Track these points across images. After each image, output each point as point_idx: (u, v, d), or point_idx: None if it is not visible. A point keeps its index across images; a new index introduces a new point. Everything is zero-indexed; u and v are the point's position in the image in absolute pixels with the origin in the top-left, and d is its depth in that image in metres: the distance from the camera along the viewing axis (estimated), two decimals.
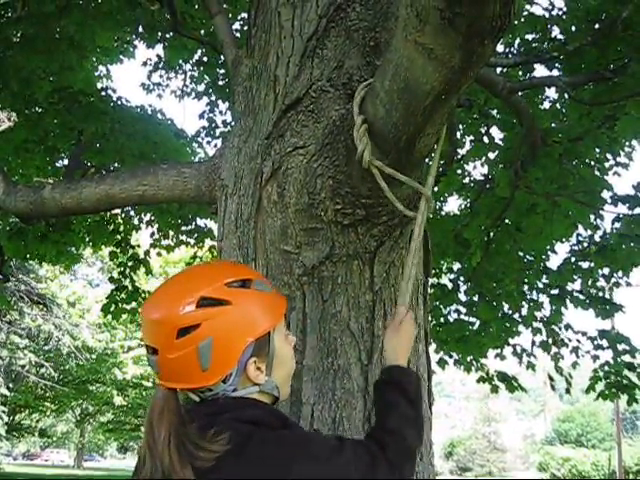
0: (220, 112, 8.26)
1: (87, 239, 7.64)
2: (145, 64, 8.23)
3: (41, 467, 50.46)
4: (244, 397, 1.39)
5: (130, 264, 8.06)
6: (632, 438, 73.54)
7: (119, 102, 7.23)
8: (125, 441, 51.02)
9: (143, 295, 8.11)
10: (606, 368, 6.69)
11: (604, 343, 6.64)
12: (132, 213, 7.83)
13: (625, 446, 44.59)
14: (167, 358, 1.33)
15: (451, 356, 7.03)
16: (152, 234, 7.99)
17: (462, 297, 6.55)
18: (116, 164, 6.95)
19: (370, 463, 1.35)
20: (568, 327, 6.74)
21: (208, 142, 8.30)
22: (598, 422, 67.38)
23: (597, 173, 5.87)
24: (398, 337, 1.69)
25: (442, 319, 6.79)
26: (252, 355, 1.38)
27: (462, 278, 6.66)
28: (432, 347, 6.67)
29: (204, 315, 1.32)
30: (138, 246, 8.24)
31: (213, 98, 8.13)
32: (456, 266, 7.01)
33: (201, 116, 8.25)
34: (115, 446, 64.02)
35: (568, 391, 7.03)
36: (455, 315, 6.75)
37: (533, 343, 6.83)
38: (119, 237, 7.86)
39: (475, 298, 6.37)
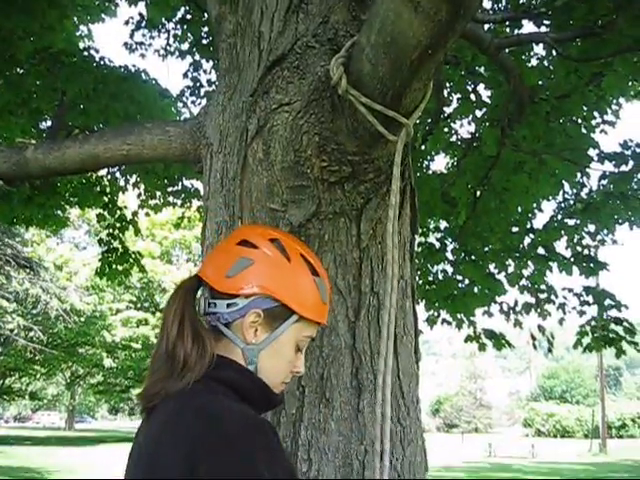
0: (204, 71, 8.15)
1: (73, 201, 7.58)
2: (127, 23, 8.08)
3: (33, 429, 50.89)
4: (229, 359, 1.39)
5: (118, 226, 8.03)
6: (615, 394, 74.99)
7: (102, 62, 7.11)
8: (115, 403, 51.51)
9: (133, 256, 8.09)
10: (593, 323, 6.77)
11: (590, 299, 6.71)
12: (118, 175, 7.77)
13: (608, 402, 45.47)
14: (219, 249, 1.54)
15: (439, 315, 7.09)
16: (139, 195, 7.95)
17: (449, 256, 6.58)
18: (101, 125, 6.86)
19: None
20: (552, 289, 6.79)
21: (193, 102, 8.21)
22: (582, 379, 68.56)
23: (584, 131, 5.87)
24: None
25: (430, 277, 6.82)
26: (260, 310, 1.40)
27: (449, 237, 6.68)
28: (420, 305, 6.72)
29: (267, 247, 1.43)
30: (125, 207, 8.19)
31: (197, 57, 8.01)
32: (443, 225, 7.02)
33: (185, 75, 8.13)
34: (106, 408, 64.66)
35: (550, 350, 7.11)
36: (442, 274, 6.79)
37: (516, 303, 6.90)
38: (105, 199, 7.81)
39: (462, 257, 6.40)
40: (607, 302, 6.54)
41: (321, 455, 1.97)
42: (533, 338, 7.22)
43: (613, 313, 6.57)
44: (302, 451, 1.97)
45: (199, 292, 1.51)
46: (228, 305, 1.40)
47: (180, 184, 7.86)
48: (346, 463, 1.98)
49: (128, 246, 8.41)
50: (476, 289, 6.45)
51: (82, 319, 31.06)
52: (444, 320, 7.16)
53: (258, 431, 1.25)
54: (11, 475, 16.30)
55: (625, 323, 6.60)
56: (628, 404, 56.93)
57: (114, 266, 7.84)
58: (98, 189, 7.70)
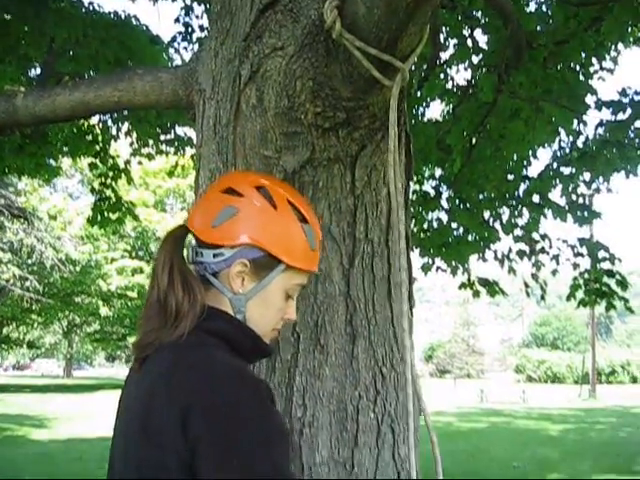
0: (196, 16, 7.98)
1: (65, 150, 7.51)
2: None
3: (31, 377, 51.54)
4: (219, 309, 1.39)
5: (111, 174, 7.97)
6: (605, 341, 76.13)
7: (91, 8, 6.95)
8: (112, 350, 52.01)
9: (126, 205, 8.06)
10: (586, 275, 6.80)
11: (584, 251, 6.73)
12: (110, 123, 7.67)
13: (599, 349, 46.18)
14: (205, 198, 1.49)
15: (434, 262, 7.11)
16: (131, 144, 7.87)
17: (444, 204, 6.58)
18: (91, 72, 6.75)
19: None
20: (545, 237, 6.80)
21: (185, 48, 8.06)
22: (573, 326, 69.49)
23: (582, 78, 5.80)
24: None
25: (425, 225, 6.83)
26: (246, 260, 1.38)
27: (444, 185, 6.66)
28: (415, 253, 6.73)
29: (252, 195, 1.41)
30: (117, 156, 8.12)
31: (188, 1, 7.84)
32: (438, 172, 6.99)
33: (177, 21, 7.97)
34: (103, 355, 65.33)
35: (543, 298, 7.16)
36: (437, 222, 6.79)
37: (510, 251, 6.91)
38: (97, 147, 7.73)
39: (457, 205, 6.39)
40: (601, 254, 6.56)
41: (316, 400, 2.00)
42: (526, 286, 7.27)
43: (606, 266, 6.59)
44: (297, 397, 1.99)
45: (191, 241, 1.50)
46: (214, 255, 1.39)
47: (173, 132, 7.77)
48: (340, 408, 2.00)
49: (121, 195, 8.37)
50: (470, 237, 6.47)
51: (77, 268, 31.16)
52: (438, 267, 7.19)
53: (253, 390, 1.26)
54: (11, 422, 16.56)
55: (617, 276, 6.63)
56: (618, 351, 57.91)
57: (106, 215, 7.80)
58: (90, 138, 7.61)
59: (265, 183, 1.45)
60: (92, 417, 16.09)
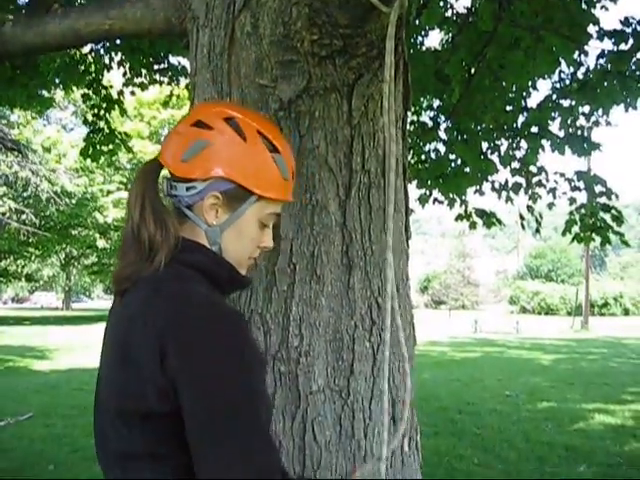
0: None
1: (57, 81, 7.37)
2: None
3: (31, 310, 52.09)
4: (195, 241, 1.41)
5: (104, 105, 7.85)
6: (599, 274, 76.92)
7: None
8: (110, 282, 52.36)
9: (120, 137, 7.97)
10: (582, 210, 6.80)
11: (581, 185, 6.70)
12: (102, 52, 7.51)
13: (592, 281, 46.73)
14: (175, 132, 1.46)
15: (431, 194, 7.09)
16: (124, 74, 7.72)
17: (442, 135, 6.52)
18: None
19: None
20: (542, 170, 6.77)
21: None
22: (568, 258, 70.04)
23: (584, 6, 5.66)
24: None
25: (422, 156, 6.78)
26: (218, 192, 1.39)
27: (442, 115, 6.59)
28: (412, 185, 6.72)
29: (222, 127, 1.40)
30: (110, 87, 7.99)
31: None
32: (436, 103, 6.90)
33: None
34: (101, 287, 65.86)
35: (538, 231, 7.17)
36: (435, 153, 6.74)
37: (506, 182, 6.88)
38: (90, 78, 7.59)
39: (455, 136, 6.33)
40: (598, 189, 6.54)
41: (312, 330, 2.02)
42: (522, 218, 7.28)
43: (603, 200, 6.58)
44: (293, 326, 2.02)
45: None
46: (187, 188, 1.40)
47: (166, 61, 7.62)
48: (336, 338, 2.03)
49: (115, 127, 8.27)
50: (468, 169, 6.44)
51: (73, 201, 31.10)
52: (435, 199, 7.18)
53: (227, 318, 1.29)
54: (12, 354, 16.82)
55: (613, 211, 6.63)
56: (611, 284, 58.58)
57: (99, 147, 7.72)
58: (82, 68, 7.47)
59: (234, 115, 1.43)
60: (92, 348, 16.30)
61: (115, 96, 7.91)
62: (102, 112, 7.83)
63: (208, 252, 1.42)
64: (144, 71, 7.63)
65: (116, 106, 7.89)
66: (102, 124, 7.84)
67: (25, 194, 30.84)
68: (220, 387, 1.22)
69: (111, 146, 7.80)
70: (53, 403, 9.39)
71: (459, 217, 7.28)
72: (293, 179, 1.53)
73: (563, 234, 7.03)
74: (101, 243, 33.78)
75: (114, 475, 1.38)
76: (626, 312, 53.29)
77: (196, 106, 1.54)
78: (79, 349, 17.41)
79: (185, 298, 1.28)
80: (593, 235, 6.71)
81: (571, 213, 6.89)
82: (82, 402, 8.88)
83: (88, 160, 8.03)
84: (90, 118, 7.95)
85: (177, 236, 1.38)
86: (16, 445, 6.79)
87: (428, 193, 7.09)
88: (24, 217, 30.52)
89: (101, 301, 72.90)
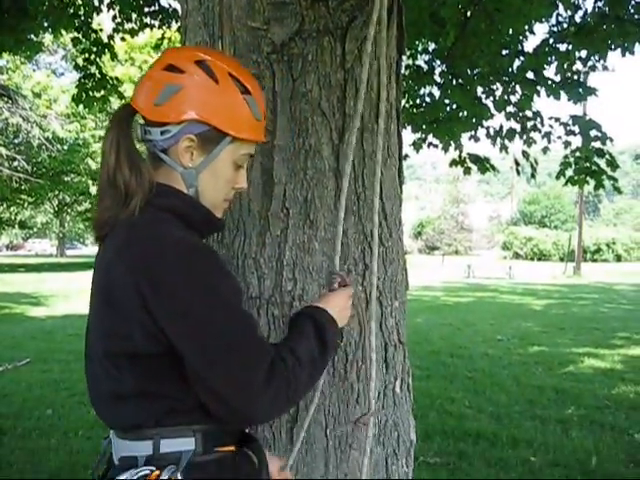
0: None
1: (46, 24, 7.21)
2: None
3: (25, 257, 52.16)
4: (170, 186, 1.42)
5: (94, 50, 7.71)
6: (593, 220, 77.24)
7: None
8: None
9: (111, 82, 7.85)
10: (577, 154, 6.77)
11: (576, 129, 6.66)
12: None
13: (586, 227, 46.90)
14: (147, 77, 1.45)
15: (425, 138, 7.04)
16: (114, 17, 7.56)
17: (437, 79, 6.43)
18: None
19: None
20: (538, 115, 6.71)
21: None
22: (562, 205, 70.23)
23: None
24: (333, 297, 1.65)
25: (417, 101, 6.71)
26: (192, 135, 1.40)
27: (437, 59, 6.50)
28: (407, 130, 6.68)
29: (193, 70, 1.39)
30: (101, 30, 7.83)
31: None
32: (431, 47, 6.80)
33: None
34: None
35: (533, 176, 7.15)
36: (430, 97, 6.67)
37: (501, 128, 6.83)
38: (80, 21, 7.43)
39: (450, 80, 6.26)
40: (592, 133, 6.50)
41: (305, 274, 2.04)
42: (516, 163, 7.25)
43: (597, 145, 6.55)
44: (287, 271, 2.03)
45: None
46: (161, 132, 1.41)
47: (157, 4, 7.46)
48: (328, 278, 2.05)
49: (106, 72, 8.13)
50: (462, 114, 6.38)
51: (65, 147, 30.82)
52: (430, 144, 7.13)
53: (202, 255, 1.33)
54: (7, 300, 16.89)
55: (607, 156, 6.60)
56: (604, 230, 58.86)
57: (91, 93, 7.60)
58: (71, 11, 7.30)
59: (205, 57, 1.43)
60: (87, 294, 16.04)
61: (105, 40, 7.76)
62: (93, 57, 7.69)
63: (184, 196, 1.43)
64: (134, 15, 7.47)
65: (107, 50, 7.75)
66: (93, 69, 7.70)
67: (16, 141, 30.54)
68: (204, 320, 1.27)
69: (103, 92, 7.67)
70: (50, 349, 9.47)
71: (453, 162, 7.24)
72: (264, 120, 1.53)
73: (557, 177, 7.01)
74: (94, 189, 33.47)
75: (107, 415, 1.43)
76: (618, 258, 53.69)
77: (167, 50, 1.53)
78: (74, 295, 17.48)
79: (160, 240, 1.31)
80: (587, 179, 6.70)
81: (566, 156, 6.86)
82: (78, 347, 8.89)
83: (79, 106, 7.91)
84: (81, 63, 7.81)
85: (151, 181, 1.40)
86: (14, 390, 6.88)
87: (422, 137, 7.04)
88: (16, 164, 30.29)
89: (95, 248, 72.50)
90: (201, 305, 1.27)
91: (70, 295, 17.87)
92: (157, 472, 1.31)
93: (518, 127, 6.76)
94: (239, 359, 1.28)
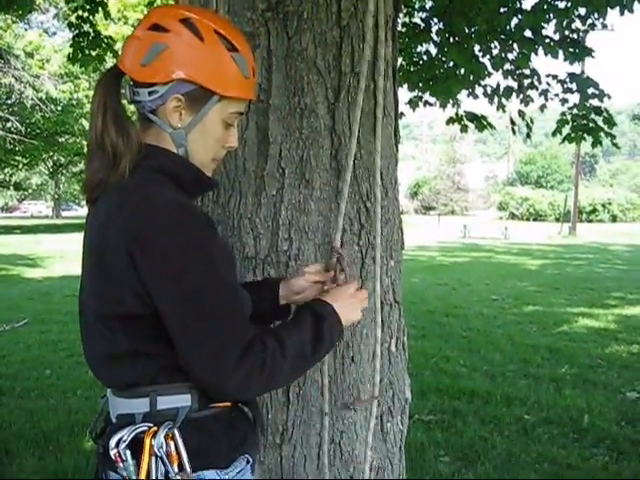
0: None
1: None
2: None
3: (20, 219, 51.99)
4: (159, 146, 1.42)
5: (87, 8, 7.58)
6: (589, 181, 77.17)
7: None
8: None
9: (106, 41, 7.74)
10: (574, 111, 6.72)
11: (573, 87, 6.60)
12: None
13: (582, 188, 46.80)
14: (133, 37, 1.42)
15: (421, 98, 6.98)
16: None
17: (434, 37, 6.35)
18: None
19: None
20: (535, 73, 6.65)
21: None
22: (558, 165, 70.06)
23: None
24: (339, 292, 1.63)
25: (414, 59, 6.64)
26: (180, 94, 1.38)
27: (434, 17, 6.41)
28: (403, 88, 6.62)
29: (178, 29, 1.37)
30: None
31: None
32: (429, 4, 6.70)
33: None
34: None
35: (529, 135, 7.11)
36: (426, 55, 6.59)
37: (498, 86, 6.77)
38: None
39: (447, 38, 6.18)
40: (590, 90, 6.45)
41: (301, 234, 2.04)
42: (513, 123, 7.21)
43: (595, 103, 6.50)
44: (283, 230, 2.03)
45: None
46: (149, 93, 1.39)
47: None
48: (325, 242, 2.05)
49: (100, 30, 8.01)
50: (459, 72, 6.32)
51: (59, 108, 30.52)
52: (426, 102, 7.07)
53: (193, 219, 1.33)
54: (4, 262, 16.89)
55: (605, 114, 6.56)
56: (600, 190, 58.74)
57: (86, 51, 7.50)
58: None
59: (190, 15, 1.40)
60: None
61: None
62: (86, 15, 7.57)
63: (174, 156, 1.43)
64: None
65: (100, 9, 7.62)
66: (87, 27, 7.59)
67: (9, 102, 30.21)
68: (193, 285, 1.27)
69: (98, 50, 7.57)
70: (47, 310, 9.51)
71: (450, 120, 7.18)
72: (254, 77, 1.50)
73: (554, 134, 6.96)
74: None
75: (103, 375, 1.46)
76: (614, 219, 53.72)
77: (152, 9, 1.51)
78: (71, 256, 17.44)
79: (151, 203, 1.31)
80: (584, 136, 6.67)
81: (563, 114, 6.82)
82: (76, 308, 8.88)
83: (75, 65, 7.80)
84: (74, 21, 7.68)
85: (139, 142, 1.39)
86: (12, 351, 6.92)
87: (419, 96, 6.97)
88: (9, 125, 30.02)
89: None
90: (189, 270, 1.27)
91: (66, 256, 17.86)
92: (154, 429, 1.33)
93: (515, 85, 6.70)
94: (214, 334, 1.28)
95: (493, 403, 5.17)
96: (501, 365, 6.41)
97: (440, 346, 7.16)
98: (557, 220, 46.21)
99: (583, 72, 7.04)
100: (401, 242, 2.38)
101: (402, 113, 5.83)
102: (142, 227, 1.28)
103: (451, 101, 6.82)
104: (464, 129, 7.11)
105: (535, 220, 54.02)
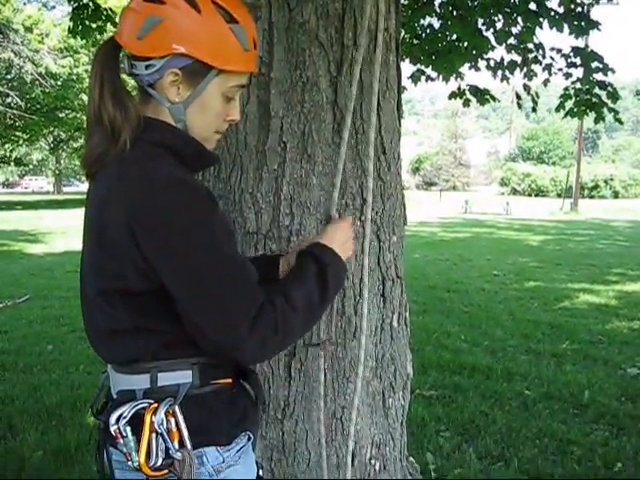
0: None
1: None
2: None
3: (22, 195, 51.96)
4: (159, 120, 1.39)
5: None
6: (591, 157, 76.91)
7: None
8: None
9: (105, 13, 7.66)
10: (578, 85, 6.67)
11: (577, 61, 6.54)
12: None
13: (584, 164, 46.67)
14: (129, 8, 1.37)
15: (424, 72, 6.92)
16: None
17: (437, 10, 6.28)
18: None
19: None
20: (539, 47, 6.58)
21: None
22: (561, 141, 69.83)
23: None
24: (334, 231, 1.63)
25: (418, 31, 6.56)
26: (177, 69, 1.34)
27: None
28: (406, 62, 6.55)
29: (175, 1, 1.32)
30: None
31: None
32: None
33: None
34: None
35: (534, 110, 7.06)
36: (429, 29, 6.52)
37: (502, 60, 6.71)
38: None
39: (450, 11, 6.11)
40: (594, 64, 6.39)
41: (303, 209, 2.03)
42: (518, 97, 7.15)
43: (599, 77, 6.44)
44: (284, 205, 2.02)
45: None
46: (146, 67, 1.35)
47: None
48: (327, 217, 2.03)
49: (99, 2, 7.93)
50: (462, 45, 6.26)
51: (59, 83, 30.34)
52: (428, 77, 7.01)
53: (193, 194, 1.30)
54: (5, 238, 16.88)
55: (609, 88, 6.50)
56: (603, 166, 58.62)
57: (87, 23, 7.41)
58: None
59: None
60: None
61: None
62: None
63: (174, 129, 1.39)
64: None
65: None
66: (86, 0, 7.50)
67: (9, 76, 30.02)
68: (199, 258, 1.26)
69: (99, 22, 7.48)
70: (49, 285, 9.52)
71: (453, 95, 7.12)
72: (255, 49, 1.45)
73: (557, 110, 6.91)
74: None
75: (104, 351, 1.45)
76: (616, 195, 53.63)
77: None
78: (72, 232, 17.41)
79: (151, 177, 1.28)
80: (587, 111, 6.62)
81: (566, 89, 6.76)
82: (77, 284, 8.97)
83: (72, 40, 7.74)
84: None
85: (138, 115, 1.36)
86: (15, 326, 6.93)
87: (421, 70, 6.91)
88: (9, 100, 29.86)
89: None
90: (193, 244, 1.26)
91: (68, 232, 17.84)
92: (155, 405, 1.33)
93: (519, 59, 6.64)
94: (226, 302, 1.27)
95: (494, 378, 5.18)
96: (502, 340, 6.42)
97: (441, 321, 7.17)
98: (559, 196, 46.13)
99: (587, 46, 6.96)
100: (404, 217, 2.37)
101: (404, 87, 5.78)
102: (142, 203, 1.26)
103: (454, 75, 6.76)
104: (466, 103, 7.06)
105: (537, 196, 53.97)
